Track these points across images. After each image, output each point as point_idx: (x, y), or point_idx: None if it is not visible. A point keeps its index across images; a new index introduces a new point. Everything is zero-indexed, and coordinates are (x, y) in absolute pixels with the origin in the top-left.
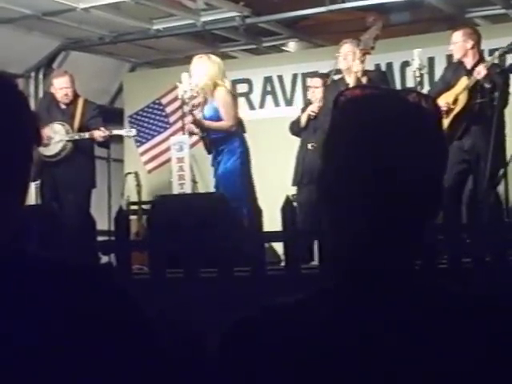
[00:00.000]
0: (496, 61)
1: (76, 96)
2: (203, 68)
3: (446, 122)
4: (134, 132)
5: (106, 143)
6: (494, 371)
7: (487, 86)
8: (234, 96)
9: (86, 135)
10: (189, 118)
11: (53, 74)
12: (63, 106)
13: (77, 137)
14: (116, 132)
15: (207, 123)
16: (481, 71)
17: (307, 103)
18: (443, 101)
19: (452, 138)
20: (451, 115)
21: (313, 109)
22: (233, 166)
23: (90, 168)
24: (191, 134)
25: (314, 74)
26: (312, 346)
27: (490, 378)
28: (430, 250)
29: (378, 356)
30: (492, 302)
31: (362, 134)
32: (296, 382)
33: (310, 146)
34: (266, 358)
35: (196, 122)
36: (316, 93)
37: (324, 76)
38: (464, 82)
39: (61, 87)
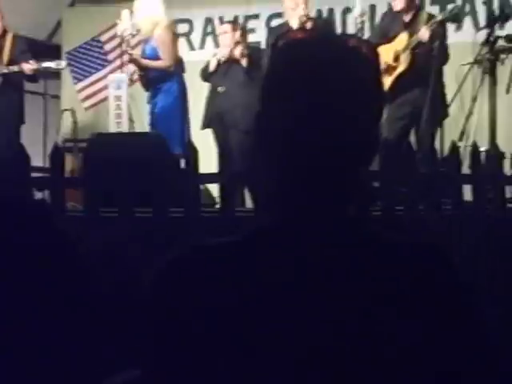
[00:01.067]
0: (438, 18)
1: (5, 30)
2: (145, 6)
3: (388, 81)
4: (63, 64)
5: (34, 77)
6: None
7: (431, 43)
8: (174, 34)
9: (15, 68)
10: (128, 57)
11: None
12: None
13: (5, 70)
14: (45, 64)
15: (145, 62)
16: (425, 34)
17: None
18: (383, 57)
19: (396, 96)
20: (394, 74)
21: (222, 54)
22: (169, 105)
23: (18, 103)
24: (131, 76)
25: (225, 21)
26: (246, 283)
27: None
28: (366, 197)
29: (311, 294)
30: (422, 246)
31: (300, 76)
32: (229, 322)
33: (219, 89)
34: (198, 296)
35: (133, 61)
36: (225, 38)
37: (233, 22)
38: (404, 38)
39: None
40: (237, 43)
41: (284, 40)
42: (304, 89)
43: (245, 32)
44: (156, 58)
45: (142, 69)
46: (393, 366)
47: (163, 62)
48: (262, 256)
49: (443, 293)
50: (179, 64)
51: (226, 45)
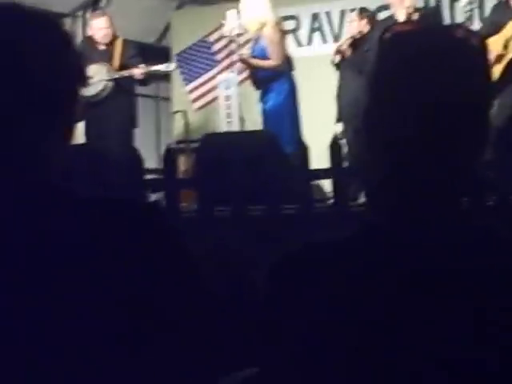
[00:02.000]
0: None
1: (115, 36)
2: (251, 5)
3: (498, 69)
4: (173, 66)
5: (145, 81)
6: None
7: None
8: (283, 33)
9: (126, 73)
10: (237, 56)
11: (91, 16)
12: (102, 47)
13: (116, 75)
14: (155, 68)
15: (254, 62)
16: None
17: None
18: (492, 47)
19: (506, 84)
20: (503, 62)
21: (341, 43)
22: (280, 104)
23: (130, 107)
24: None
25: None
26: (359, 282)
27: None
28: (480, 188)
29: (425, 290)
30: None
31: (408, 70)
32: (343, 318)
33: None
34: (311, 294)
35: (243, 61)
36: (352, 27)
37: (362, 10)
38: None
39: (99, 28)
40: (360, 32)
41: (390, 33)
42: (413, 82)
43: (372, 20)
44: (265, 57)
45: (251, 68)
46: None
47: (272, 61)
48: (374, 253)
49: None
50: (288, 62)
51: (351, 33)
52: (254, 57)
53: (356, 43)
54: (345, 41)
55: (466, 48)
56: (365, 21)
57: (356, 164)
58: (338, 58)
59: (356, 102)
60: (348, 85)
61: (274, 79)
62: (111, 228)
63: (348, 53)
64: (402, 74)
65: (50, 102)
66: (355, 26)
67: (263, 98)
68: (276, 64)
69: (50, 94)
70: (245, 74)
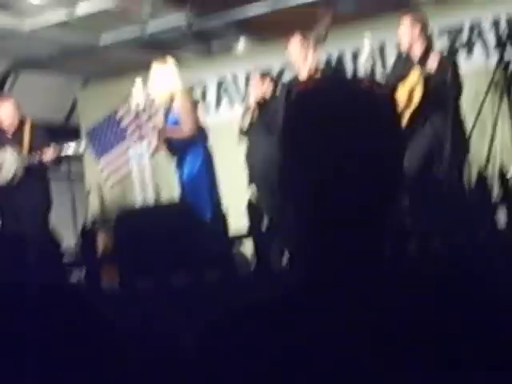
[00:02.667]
0: (445, 51)
1: (22, 121)
2: (160, 77)
3: (405, 117)
4: (83, 145)
5: (57, 160)
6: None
7: (444, 75)
8: (193, 102)
9: (36, 157)
10: (149, 128)
11: None
12: (10, 133)
13: (27, 160)
14: (66, 147)
15: (168, 131)
16: (433, 64)
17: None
18: (398, 97)
19: (413, 131)
20: (408, 111)
21: (246, 108)
22: (196, 171)
23: (44, 190)
24: (156, 150)
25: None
26: (288, 343)
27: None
28: (399, 235)
29: (354, 346)
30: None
31: (316, 127)
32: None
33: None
34: (241, 362)
35: (157, 130)
36: (254, 91)
37: (264, 75)
38: (415, 75)
39: (6, 114)
40: (263, 95)
41: (296, 90)
42: (323, 138)
43: (275, 83)
44: (178, 126)
45: (165, 137)
46: None
47: (185, 130)
48: (301, 312)
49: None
50: (202, 131)
51: (256, 97)
52: (167, 126)
53: (261, 106)
54: (250, 104)
55: (372, 99)
56: (266, 84)
57: (274, 225)
58: (246, 123)
59: (268, 162)
60: (257, 146)
61: (188, 147)
62: (35, 313)
63: (255, 116)
64: (311, 131)
65: None
66: (258, 90)
67: (179, 166)
68: (189, 133)
69: None
70: (155, 145)
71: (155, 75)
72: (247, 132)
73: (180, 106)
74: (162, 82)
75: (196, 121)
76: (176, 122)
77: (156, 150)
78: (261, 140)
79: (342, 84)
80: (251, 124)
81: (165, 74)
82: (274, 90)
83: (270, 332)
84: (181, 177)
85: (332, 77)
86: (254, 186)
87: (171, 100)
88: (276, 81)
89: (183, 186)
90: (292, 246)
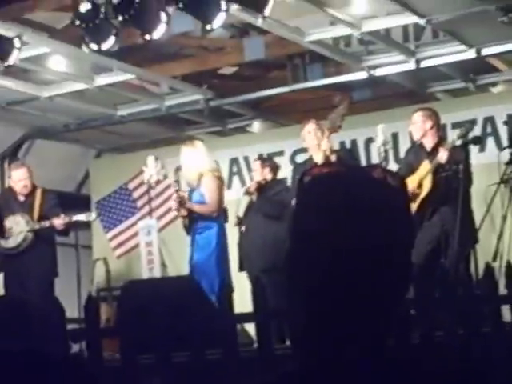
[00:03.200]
0: (457, 143)
1: (34, 187)
2: (190, 157)
3: (413, 207)
4: (93, 216)
5: (65, 231)
6: None
7: (456, 167)
8: (221, 181)
9: (46, 224)
10: (174, 196)
11: (10, 167)
12: (22, 198)
13: (37, 226)
14: (76, 218)
15: (190, 204)
16: (443, 156)
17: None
18: (408, 186)
19: (421, 221)
20: (418, 200)
21: (249, 186)
22: (208, 256)
23: (51, 257)
24: (177, 211)
25: (256, 158)
26: None
27: None
28: (403, 325)
29: None
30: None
31: (329, 214)
32: None
33: (242, 229)
34: None
35: (180, 200)
36: (255, 175)
37: (264, 160)
38: (426, 165)
39: (19, 179)
40: (263, 179)
41: (309, 176)
42: (334, 225)
43: (274, 168)
44: (202, 203)
45: (186, 210)
46: None
47: (208, 207)
48: None
49: None
50: (224, 212)
51: (257, 180)
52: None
53: (260, 189)
54: (252, 184)
55: (384, 188)
56: (267, 169)
57: (277, 307)
58: (242, 208)
59: (264, 246)
60: (254, 229)
61: (205, 225)
62: (35, 382)
63: (254, 197)
64: (323, 217)
65: None
66: (258, 174)
67: (192, 244)
68: (212, 210)
69: None
70: (165, 220)
71: (185, 157)
72: (243, 217)
73: (207, 184)
74: (192, 161)
75: (221, 200)
76: (200, 199)
77: (164, 225)
78: (256, 225)
79: (355, 172)
80: (248, 208)
81: (194, 156)
82: (275, 176)
83: None
84: (192, 254)
85: (345, 164)
86: (247, 272)
87: (199, 179)
88: (277, 166)
89: (195, 265)
90: (294, 331)
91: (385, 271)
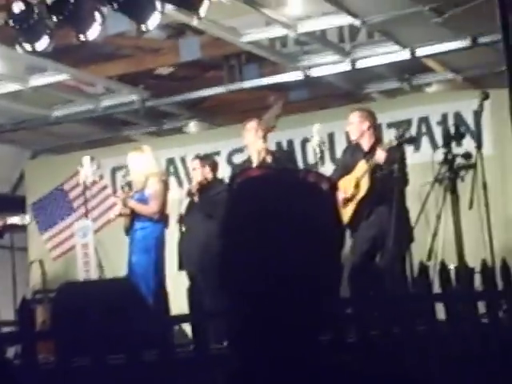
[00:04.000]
0: (393, 143)
1: None
2: (137, 162)
3: (351, 208)
4: (27, 219)
5: (0, 233)
6: None
7: (391, 166)
8: (166, 185)
9: None
10: (119, 192)
11: None
12: None
13: None
14: (10, 221)
15: (132, 203)
16: (381, 156)
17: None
18: (344, 187)
19: (359, 221)
20: (355, 200)
21: (191, 187)
22: (147, 258)
23: None
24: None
25: (195, 157)
26: None
27: None
28: (337, 325)
29: None
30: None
31: (255, 216)
32: None
33: (183, 229)
34: None
35: (123, 199)
36: (195, 174)
37: (204, 158)
38: (363, 166)
39: None
40: (204, 179)
41: (241, 178)
42: (261, 227)
43: (214, 166)
44: (145, 203)
45: (128, 209)
46: None
47: (150, 208)
48: None
49: None
50: (165, 217)
51: (196, 181)
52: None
53: (202, 189)
54: (193, 185)
55: (315, 191)
56: (207, 168)
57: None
58: (183, 208)
59: (205, 246)
60: (194, 229)
61: (146, 226)
62: None
63: (196, 198)
64: (250, 220)
65: None
66: (199, 174)
67: (132, 242)
68: (154, 211)
69: None
70: (101, 222)
71: (132, 161)
72: (184, 217)
73: (152, 187)
74: (139, 165)
75: (164, 204)
76: (143, 199)
77: (99, 226)
78: (198, 223)
79: (287, 175)
80: (189, 207)
81: (141, 160)
82: (215, 174)
83: None
84: (131, 256)
85: (279, 167)
86: (187, 271)
87: (146, 181)
88: (216, 164)
89: (133, 265)
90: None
91: (312, 272)
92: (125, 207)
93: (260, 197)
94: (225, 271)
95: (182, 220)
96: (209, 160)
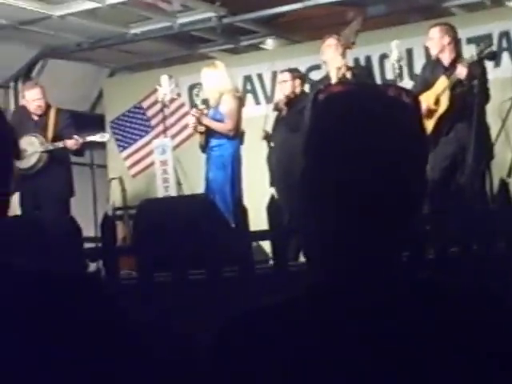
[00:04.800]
0: (474, 58)
1: (48, 106)
2: (211, 78)
3: (430, 123)
4: (107, 136)
5: (80, 151)
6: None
7: (471, 82)
8: (241, 102)
9: (60, 145)
10: (193, 111)
11: (24, 86)
12: (36, 118)
13: (51, 147)
14: (89, 138)
15: (207, 121)
16: (462, 72)
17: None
18: (424, 102)
19: (439, 137)
20: (435, 116)
21: (278, 100)
22: (223, 174)
23: (66, 177)
24: (195, 127)
25: (284, 69)
26: (305, 341)
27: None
28: (417, 241)
29: (369, 348)
30: (477, 292)
31: (342, 131)
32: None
33: (272, 144)
34: (260, 359)
35: (199, 117)
36: (285, 87)
37: (294, 71)
38: (443, 81)
39: (33, 99)
40: (293, 92)
41: (324, 94)
42: (348, 142)
43: (304, 80)
44: (220, 121)
45: (204, 127)
46: None
47: (226, 125)
48: (318, 312)
49: (499, 336)
50: (240, 133)
51: (285, 93)
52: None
53: (290, 103)
54: (281, 98)
55: (398, 106)
56: (297, 81)
57: (293, 225)
58: (270, 123)
59: (290, 161)
60: (281, 144)
61: (221, 144)
62: (51, 302)
63: (284, 112)
64: (337, 135)
65: None
66: (288, 86)
67: (208, 163)
68: (229, 128)
69: None
70: (179, 139)
71: (206, 77)
72: (272, 132)
73: (227, 103)
74: (212, 81)
75: (239, 121)
76: (219, 117)
77: (178, 143)
78: (285, 138)
79: (369, 90)
80: (276, 122)
81: (215, 74)
82: (303, 88)
83: (281, 332)
84: (208, 174)
85: (360, 83)
86: (275, 187)
87: (219, 98)
88: (305, 77)
89: (210, 182)
90: (309, 248)
91: (399, 187)
92: (200, 125)
93: (345, 112)
94: (312, 186)
95: (268, 137)
96: (299, 72)
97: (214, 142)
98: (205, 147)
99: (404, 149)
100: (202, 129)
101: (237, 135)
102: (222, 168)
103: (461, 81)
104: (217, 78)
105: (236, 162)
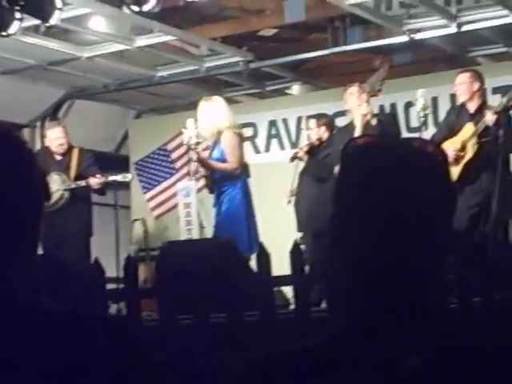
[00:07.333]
0: (500, 107)
1: (71, 146)
2: (209, 112)
3: (456, 170)
4: (129, 177)
5: (102, 190)
6: None
7: (496, 131)
8: (241, 138)
9: (83, 183)
10: (194, 157)
11: (46, 126)
12: (58, 157)
13: (73, 185)
14: (112, 178)
15: (212, 163)
16: (491, 119)
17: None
18: (450, 147)
19: (465, 185)
20: (462, 163)
21: (298, 150)
22: (233, 209)
23: (87, 216)
24: (195, 174)
25: (310, 116)
26: None
27: None
28: (443, 290)
29: None
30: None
31: (371, 182)
32: None
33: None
34: None
35: (200, 161)
36: (311, 134)
37: (321, 116)
38: (470, 127)
39: (54, 138)
40: (318, 139)
41: (352, 146)
42: (377, 195)
43: (330, 126)
44: (223, 161)
45: (208, 169)
46: None
47: (230, 164)
48: (339, 362)
49: None
50: (245, 169)
51: (310, 140)
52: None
53: (314, 150)
54: (303, 147)
55: (425, 158)
56: (323, 128)
57: (317, 271)
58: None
59: (313, 208)
60: (306, 192)
61: (228, 182)
62: (75, 343)
63: (305, 159)
64: (367, 188)
65: (19, 220)
66: (314, 133)
67: (217, 201)
68: (233, 167)
69: (18, 213)
70: (202, 182)
71: (202, 111)
72: (298, 179)
73: (227, 140)
74: (210, 118)
75: (242, 157)
76: (221, 157)
77: (201, 186)
78: (309, 186)
79: (396, 142)
80: (303, 171)
81: (212, 111)
82: (331, 134)
83: (305, 378)
84: (218, 213)
85: (388, 135)
86: (303, 233)
87: (218, 135)
88: (332, 124)
89: (219, 222)
90: (333, 294)
91: (426, 239)
92: (203, 168)
93: (373, 162)
94: (340, 234)
95: (292, 194)
96: (325, 118)
97: (221, 183)
98: (213, 189)
99: (433, 202)
100: (205, 172)
101: (242, 172)
102: (234, 206)
103: (487, 129)
104: (214, 114)
105: (247, 197)
